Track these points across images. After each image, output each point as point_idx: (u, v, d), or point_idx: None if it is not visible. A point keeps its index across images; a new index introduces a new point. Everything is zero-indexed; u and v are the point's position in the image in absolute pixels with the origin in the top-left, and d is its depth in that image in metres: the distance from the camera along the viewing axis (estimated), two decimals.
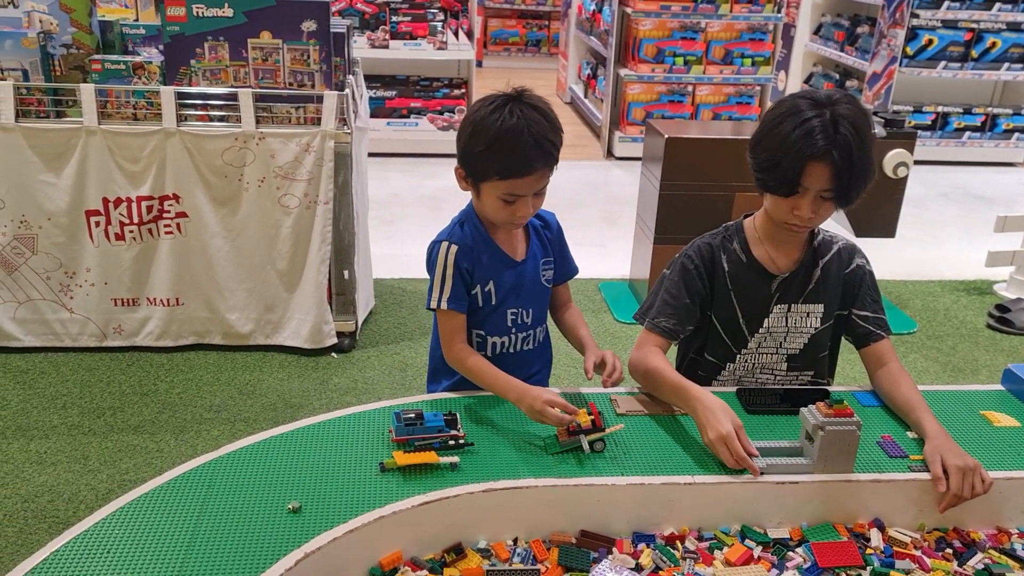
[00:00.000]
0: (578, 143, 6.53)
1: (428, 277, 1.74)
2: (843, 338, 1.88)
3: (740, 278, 1.77)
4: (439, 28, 5.67)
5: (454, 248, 1.71)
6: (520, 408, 1.62)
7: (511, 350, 1.83)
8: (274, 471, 1.46)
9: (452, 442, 1.53)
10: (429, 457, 1.48)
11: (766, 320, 1.78)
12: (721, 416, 1.51)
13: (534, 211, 1.69)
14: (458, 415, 1.59)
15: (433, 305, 1.72)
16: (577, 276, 1.94)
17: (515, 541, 1.46)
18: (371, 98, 5.72)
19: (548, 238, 1.84)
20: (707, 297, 1.79)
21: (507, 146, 1.58)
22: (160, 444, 2.72)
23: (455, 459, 1.50)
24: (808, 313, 1.78)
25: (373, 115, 5.71)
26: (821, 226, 1.79)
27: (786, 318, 1.78)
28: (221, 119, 3.02)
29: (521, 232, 1.80)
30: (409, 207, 5.04)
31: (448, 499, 1.42)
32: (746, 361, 1.82)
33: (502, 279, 1.76)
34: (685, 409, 1.62)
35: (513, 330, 1.81)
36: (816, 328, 1.79)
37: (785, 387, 1.82)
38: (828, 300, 1.78)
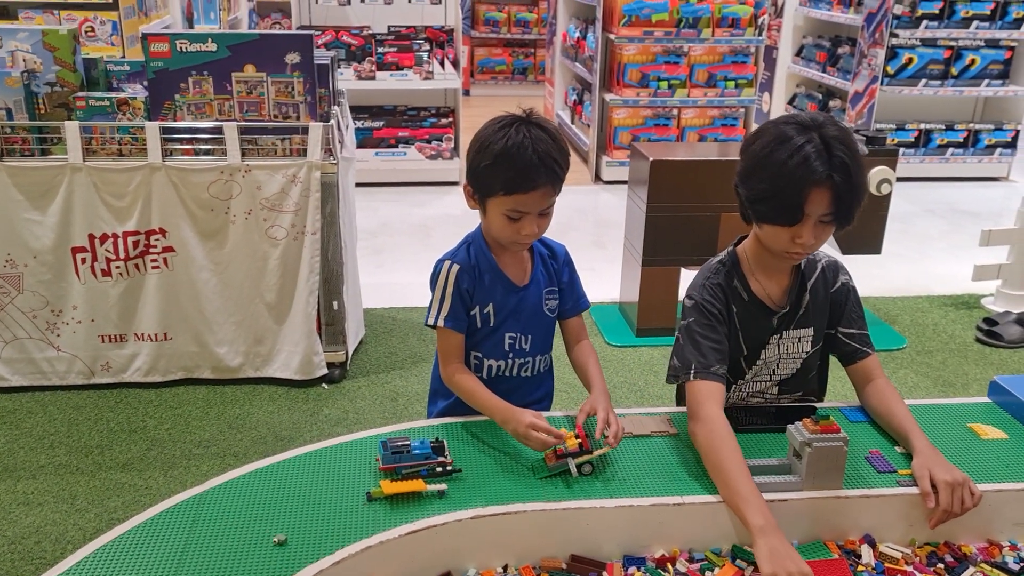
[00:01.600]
0: None
1: (421, 303, 1.80)
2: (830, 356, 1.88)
3: (746, 318, 1.74)
4: (425, 58, 5.72)
5: (456, 268, 1.74)
6: (506, 430, 1.62)
7: (507, 374, 1.83)
8: (259, 504, 1.45)
9: (440, 469, 1.53)
10: (416, 485, 1.48)
11: (763, 352, 1.77)
12: (795, 558, 1.35)
13: (540, 232, 1.71)
14: (445, 442, 1.58)
15: (431, 322, 1.76)
16: None
17: (505, 568, 1.44)
18: (359, 129, 5.74)
19: (554, 268, 1.85)
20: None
21: (512, 161, 1.62)
22: (148, 481, 2.69)
23: (443, 486, 1.49)
24: (800, 338, 1.77)
25: (361, 146, 5.73)
26: None
27: (779, 345, 1.77)
28: (207, 153, 3.03)
29: (527, 258, 1.82)
30: (399, 236, 5.05)
31: (436, 527, 1.41)
32: (740, 390, 1.81)
33: (502, 302, 1.77)
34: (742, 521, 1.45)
35: (511, 355, 1.81)
36: (807, 352, 1.79)
37: (771, 404, 1.82)
38: (817, 322, 1.78)
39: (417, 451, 1.53)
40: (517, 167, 1.62)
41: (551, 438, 1.54)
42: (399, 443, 1.54)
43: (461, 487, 1.50)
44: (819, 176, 1.53)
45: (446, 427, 1.70)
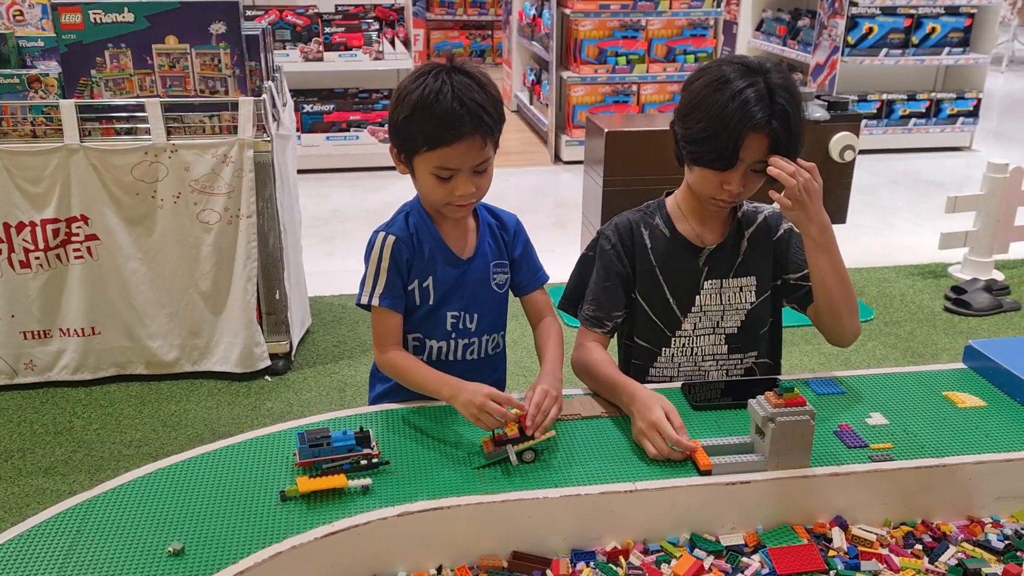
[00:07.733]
0: (525, 149, 6.41)
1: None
2: (785, 310, 1.77)
3: (665, 254, 1.67)
4: (374, 38, 5.53)
5: (392, 239, 1.57)
6: (455, 406, 1.46)
7: (451, 357, 1.65)
8: (157, 508, 1.29)
9: (364, 462, 1.36)
10: (337, 481, 1.31)
11: (697, 297, 1.68)
12: (651, 403, 1.43)
13: (478, 193, 1.53)
14: (371, 431, 1.42)
15: (364, 300, 1.57)
16: None
17: (439, 569, 1.30)
18: (308, 113, 5.55)
19: (504, 239, 1.68)
20: (629, 276, 1.68)
21: (431, 110, 1.45)
22: (73, 486, 2.50)
23: (367, 481, 1.33)
24: (741, 288, 1.69)
25: (311, 130, 5.55)
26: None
27: (719, 295, 1.68)
28: (128, 132, 2.83)
29: (471, 228, 1.65)
30: (351, 223, 4.86)
31: (358, 527, 1.25)
32: (683, 345, 1.69)
33: (441, 276, 1.60)
34: (619, 405, 1.54)
35: (453, 335, 1.64)
36: (752, 303, 1.69)
37: (732, 378, 1.69)
38: (760, 272, 1.69)
39: (338, 443, 1.37)
40: (436, 116, 1.45)
41: (509, 413, 1.39)
42: (318, 435, 1.37)
43: (388, 481, 1.34)
44: (757, 122, 1.50)
45: (373, 416, 1.54)
